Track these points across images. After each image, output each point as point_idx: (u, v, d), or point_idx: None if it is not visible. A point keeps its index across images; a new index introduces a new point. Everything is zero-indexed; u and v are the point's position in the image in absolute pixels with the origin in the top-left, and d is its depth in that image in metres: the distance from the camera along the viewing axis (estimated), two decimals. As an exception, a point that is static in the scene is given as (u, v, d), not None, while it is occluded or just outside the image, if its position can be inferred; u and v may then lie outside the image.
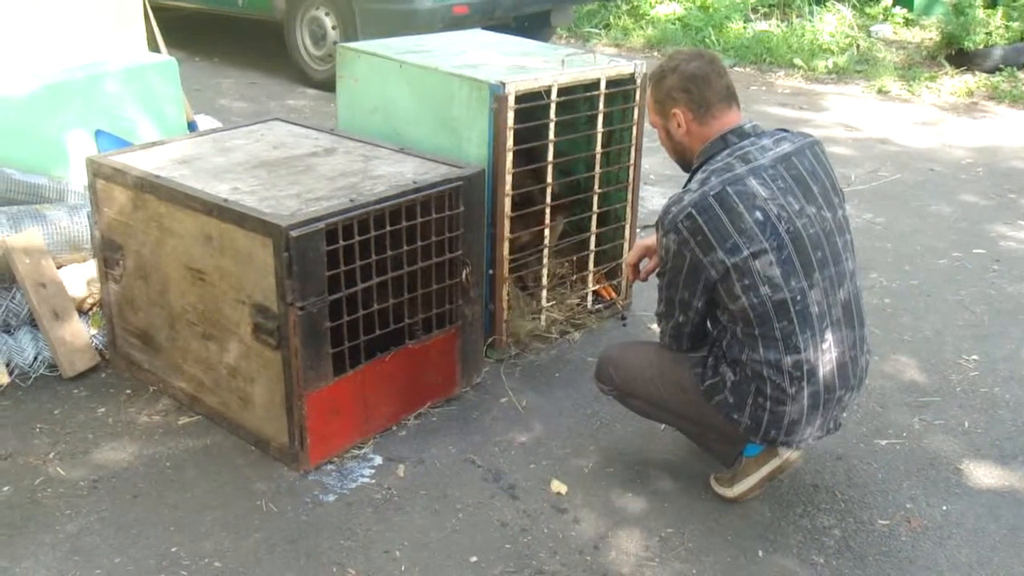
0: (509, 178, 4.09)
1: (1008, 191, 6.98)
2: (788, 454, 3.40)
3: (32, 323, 4.21)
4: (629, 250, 4.71)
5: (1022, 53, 10.03)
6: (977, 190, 6.98)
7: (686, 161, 3.34)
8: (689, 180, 3.24)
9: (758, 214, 3.05)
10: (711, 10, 11.49)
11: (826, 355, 3.19)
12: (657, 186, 6.70)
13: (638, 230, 4.91)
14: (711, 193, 3.07)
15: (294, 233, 3.27)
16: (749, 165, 3.12)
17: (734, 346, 3.22)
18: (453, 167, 3.91)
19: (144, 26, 5.90)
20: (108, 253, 4.03)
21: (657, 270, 3.40)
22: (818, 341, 3.15)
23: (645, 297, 4.82)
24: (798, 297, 3.10)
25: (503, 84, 3.97)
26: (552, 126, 4.22)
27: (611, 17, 11.74)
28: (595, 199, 4.55)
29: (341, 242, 3.41)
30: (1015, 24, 10.14)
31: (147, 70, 5.15)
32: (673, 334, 3.37)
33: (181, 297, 3.80)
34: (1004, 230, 6.27)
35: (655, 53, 10.91)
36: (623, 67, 4.40)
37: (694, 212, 3.07)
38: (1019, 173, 7.39)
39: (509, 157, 4.05)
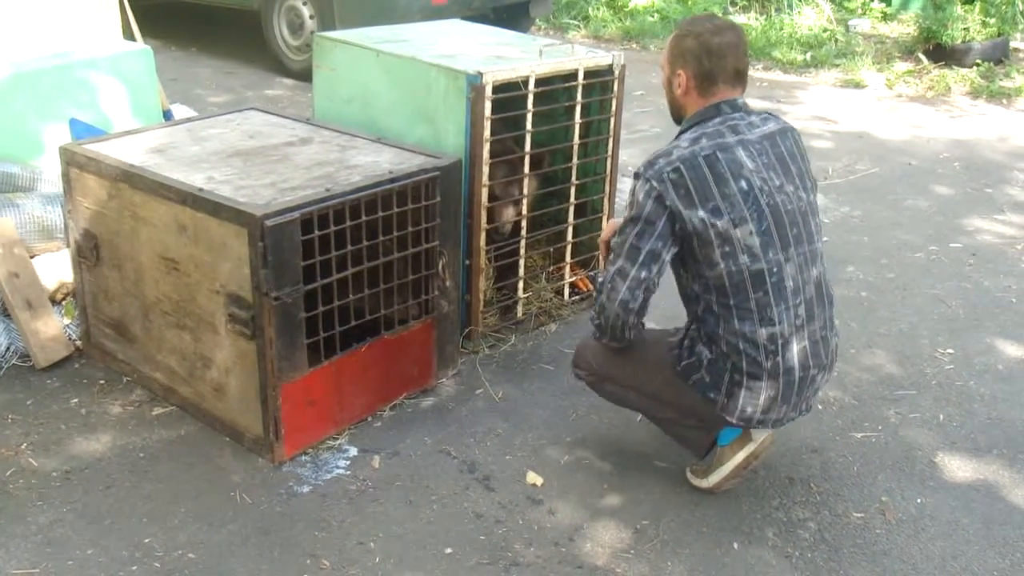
0: (486, 168, 4.08)
1: (984, 185, 7.00)
2: (762, 437, 3.41)
3: (4, 313, 4.17)
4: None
5: (999, 49, 10.06)
6: (953, 184, 7.00)
7: (677, 116, 3.36)
8: (678, 137, 3.25)
9: (743, 183, 3.10)
10: (690, 2, 11.50)
11: (800, 332, 3.21)
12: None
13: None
14: (701, 154, 3.11)
15: (269, 223, 3.25)
16: (738, 136, 3.16)
17: (709, 320, 3.23)
18: (430, 157, 3.89)
19: (119, 15, 5.86)
20: (82, 242, 4.00)
21: (620, 226, 3.33)
22: (792, 316, 3.18)
23: (622, 289, 4.81)
24: (775, 269, 3.13)
25: (481, 74, 3.95)
26: (530, 116, 4.20)
27: (589, 9, 11.73)
28: (572, 190, 4.54)
29: (316, 232, 3.38)
30: (992, 20, 10.18)
31: (122, 58, 5.11)
32: (632, 286, 3.21)
33: (155, 287, 3.77)
34: (980, 224, 6.29)
35: (633, 45, 10.91)
36: (601, 58, 4.40)
37: (682, 167, 3.09)
38: (995, 167, 7.41)
39: (486, 147, 4.04)
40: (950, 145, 7.89)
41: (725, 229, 3.08)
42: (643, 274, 3.19)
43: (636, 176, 3.22)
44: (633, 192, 3.21)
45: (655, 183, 3.12)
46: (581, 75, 4.32)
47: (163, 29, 10.06)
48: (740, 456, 3.44)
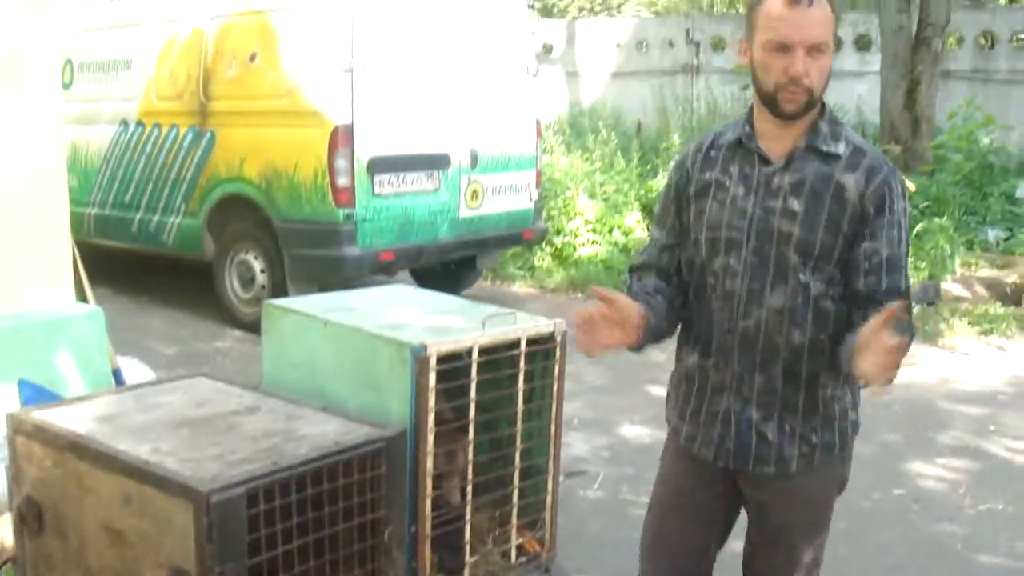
0: (431, 437, 4.14)
1: (925, 429, 7.13)
2: None
3: (-58, 584, 4.12)
4: (552, 500, 4.74)
5: (930, 291, 10.36)
6: (896, 428, 7.12)
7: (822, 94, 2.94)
8: (835, 123, 3.00)
9: None
10: (633, 251, 11.80)
11: None
12: (581, 431, 6.76)
13: (561, 477, 4.95)
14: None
15: (215, 498, 3.27)
16: None
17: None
18: (375, 427, 3.93)
19: (72, 274, 5.96)
20: (25, 510, 3.98)
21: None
22: None
23: (567, 549, 4.83)
24: None
25: (425, 346, 4.07)
26: (474, 385, 4.30)
27: (535, 259, 12.02)
28: (517, 454, 4.61)
29: (262, 505, 3.40)
30: (923, 264, 10.54)
31: (73, 320, 5.20)
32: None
33: (99, 557, 3.74)
34: (922, 468, 6.38)
35: (578, 294, 11.14)
36: (543, 327, 4.53)
37: None
38: (935, 411, 7.56)
39: (431, 417, 4.12)
40: (890, 389, 8.03)
41: None
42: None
43: (887, 185, 2.91)
44: (900, 197, 2.94)
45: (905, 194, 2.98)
46: (523, 344, 4.44)
47: (115, 278, 10.20)
48: None
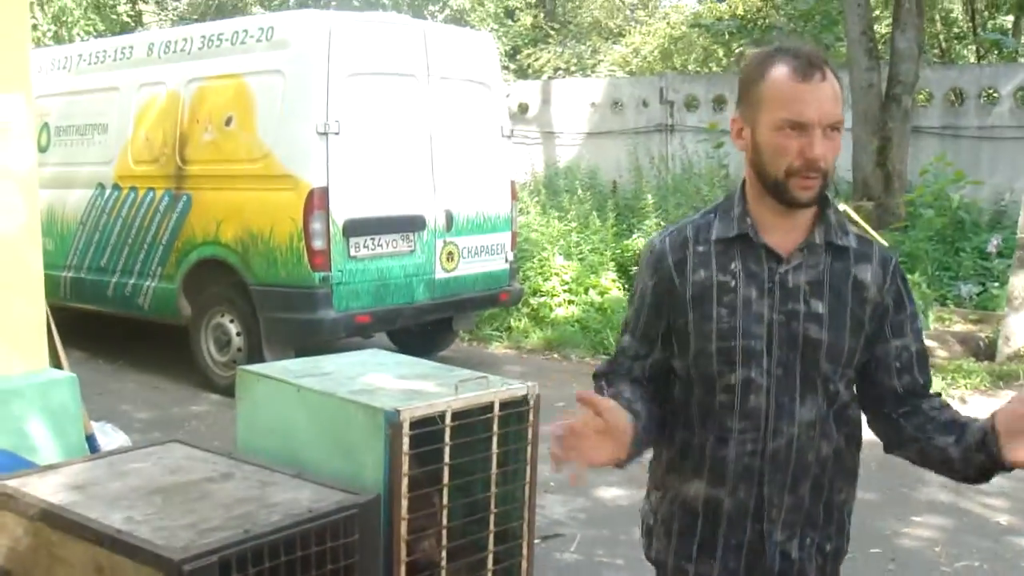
0: (405, 502, 4.14)
1: (900, 486, 7.13)
2: None
3: (-89, 656, 4.07)
4: (528, 564, 4.73)
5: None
6: (870, 486, 7.12)
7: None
8: (831, 216, 2.69)
9: None
10: (609, 311, 11.84)
11: None
12: (557, 493, 6.75)
13: (537, 540, 4.94)
14: None
15: (187, 568, 3.25)
16: None
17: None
18: (348, 494, 3.93)
19: (46, 340, 5.96)
20: (-5, 580, 3.97)
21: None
22: None
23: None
24: None
25: (398, 411, 4.07)
26: (448, 449, 4.30)
27: (511, 320, 12.07)
28: (492, 518, 4.59)
29: (235, 574, 3.39)
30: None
31: (47, 387, 5.19)
32: None
33: (69, 628, 3.72)
34: (897, 526, 6.38)
35: (554, 355, 11.19)
36: (516, 390, 4.54)
37: None
38: (911, 468, 7.42)
39: (404, 482, 4.11)
40: (865, 446, 8.03)
41: None
42: None
43: (901, 276, 2.74)
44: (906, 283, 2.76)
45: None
46: (497, 407, 4.45)
47: (91, 341, 10.18)
48: None
